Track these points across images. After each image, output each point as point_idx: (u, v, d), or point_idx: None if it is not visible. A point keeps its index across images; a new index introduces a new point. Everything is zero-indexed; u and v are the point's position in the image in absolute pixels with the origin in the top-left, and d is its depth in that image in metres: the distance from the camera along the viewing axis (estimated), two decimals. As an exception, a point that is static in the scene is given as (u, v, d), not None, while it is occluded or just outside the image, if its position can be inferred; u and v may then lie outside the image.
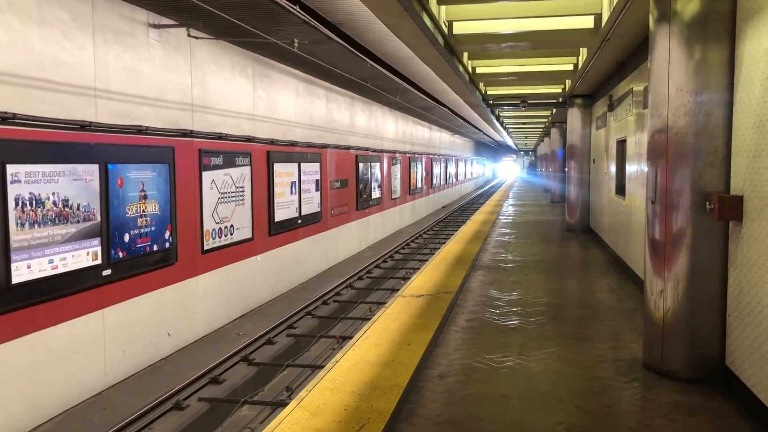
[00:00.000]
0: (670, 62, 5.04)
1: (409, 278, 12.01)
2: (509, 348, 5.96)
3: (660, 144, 5.12)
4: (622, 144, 10.86)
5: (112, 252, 8.28)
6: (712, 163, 4.87)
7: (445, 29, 8.95)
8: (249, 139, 12.19)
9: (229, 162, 11.47)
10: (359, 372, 5.03)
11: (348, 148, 18.75)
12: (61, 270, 7.38)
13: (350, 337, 8.71)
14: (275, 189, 13.51)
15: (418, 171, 29.86)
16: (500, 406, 4.62)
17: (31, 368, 7.04)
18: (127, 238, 8.59)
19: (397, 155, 25.47)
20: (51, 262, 7.23)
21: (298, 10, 8.34)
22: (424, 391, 4.91)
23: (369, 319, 7.71)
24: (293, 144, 14.41)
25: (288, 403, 4.56)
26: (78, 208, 7.63)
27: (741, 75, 4.60)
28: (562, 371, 5.32)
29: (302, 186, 15.03)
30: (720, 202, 4.62)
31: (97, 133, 8.00)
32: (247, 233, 12.21)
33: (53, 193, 7.23)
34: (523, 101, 16.23)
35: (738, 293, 4.62)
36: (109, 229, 8.20)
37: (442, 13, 8.25)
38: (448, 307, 7.23)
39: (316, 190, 16.05)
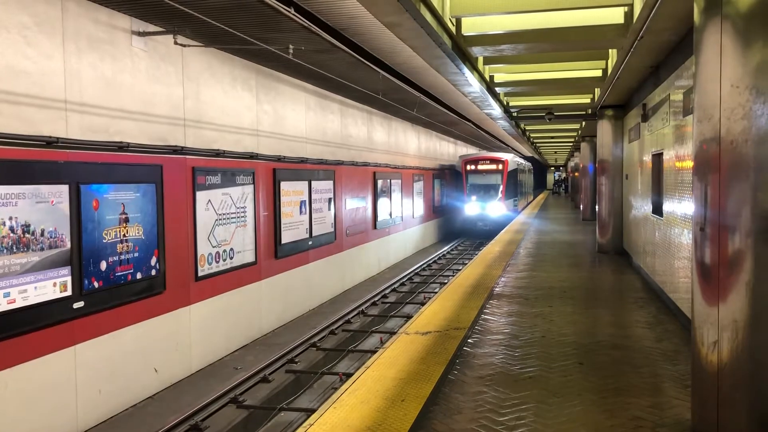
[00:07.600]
0: (722, 56, 4.01)
1: (425, 303, 11.04)
2: (524, 406, 4.90)
3: (711, 156, 4.06)
4: (658, 157, 9.75)
5: (86, 282, 7.45)
6: (780, 180, 3.80)
7: (452, 27, 7.95)
8: (252, 156, 11.36)
9: (229, 181, 10.64)
10: (334, 442, 4.05)
11: (365, 164, 17.87)
12: (20, 304, 6.56)
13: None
14: (282, 209, 12.64)
15: (443, 187, 28.81)
16: (508, 493, 3.59)
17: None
18: (104, 266, 7.75)
19: (420, 172, 24.51)
20: (7, 295, 6.41)
21: (293, 12, 7.52)
22: (411, 470, 3.90)
23: (376, 351, 6.71)
24: (303, 161, 13.56)
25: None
26: (42, 234, 6.81)
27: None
28: (589, 441, 4.26)
29: (313, 205, 14.15)
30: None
31: (67, 151, 7.20)
32: (249, 257, 11.34)
33: (10, 218, 6.42)
34: (549, 113, 15.12)
35: (818, 348, 3.54)
36: (81, 256, 7.37)
37: (446, 7, 7.27)
38: (456, 349, 6.20)
39: (329, 209, 15.15)
